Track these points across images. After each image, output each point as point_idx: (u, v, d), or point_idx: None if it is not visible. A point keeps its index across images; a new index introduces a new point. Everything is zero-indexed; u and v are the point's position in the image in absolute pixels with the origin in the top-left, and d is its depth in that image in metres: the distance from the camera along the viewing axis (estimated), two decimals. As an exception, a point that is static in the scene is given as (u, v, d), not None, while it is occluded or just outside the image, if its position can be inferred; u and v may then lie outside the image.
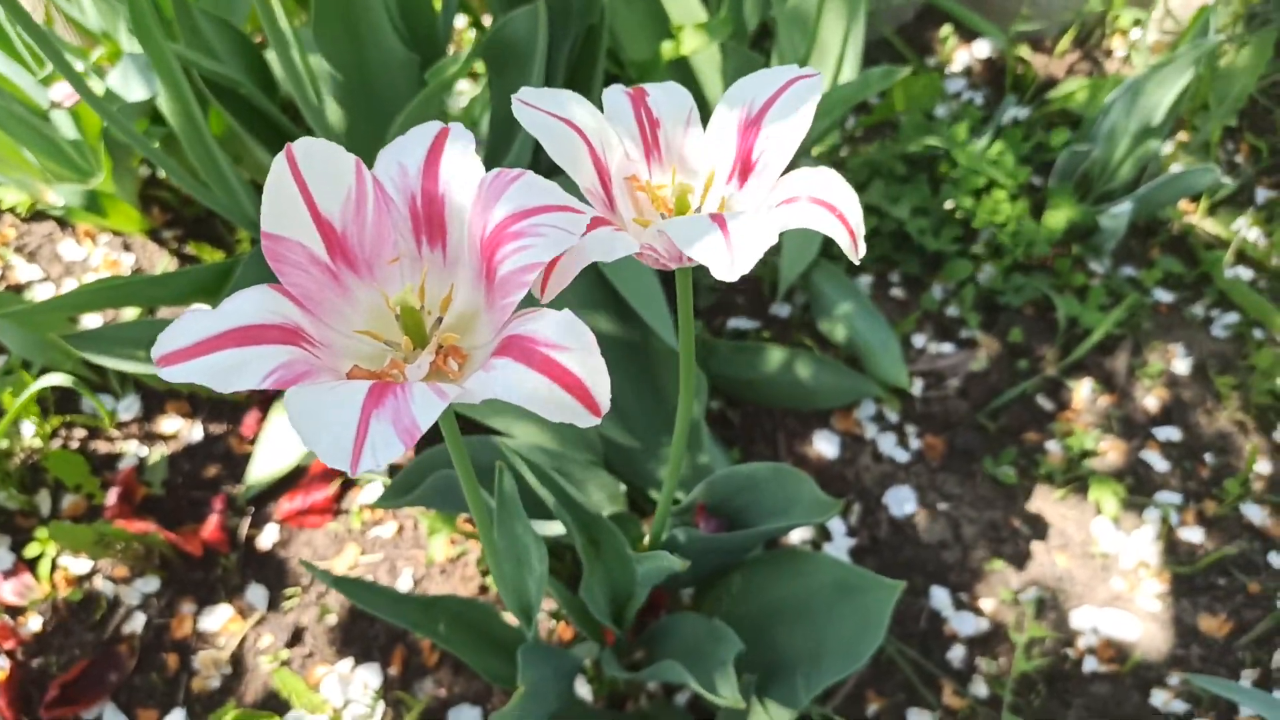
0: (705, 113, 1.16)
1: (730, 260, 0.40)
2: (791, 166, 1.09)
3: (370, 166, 0.40)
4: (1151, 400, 1.19)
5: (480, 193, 0.40)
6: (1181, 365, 1.22)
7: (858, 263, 0.50)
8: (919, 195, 1.26)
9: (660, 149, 0.51)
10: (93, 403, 1.08)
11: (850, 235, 0.43)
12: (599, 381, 0.35)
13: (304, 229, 0.39)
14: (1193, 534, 1.10)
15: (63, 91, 0.95)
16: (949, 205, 1.26)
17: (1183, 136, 1.37)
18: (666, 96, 0.51)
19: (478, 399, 0.35)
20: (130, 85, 0.95)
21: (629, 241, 0.43)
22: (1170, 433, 1.17)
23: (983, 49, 1.51)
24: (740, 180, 0.50)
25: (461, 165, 0.41)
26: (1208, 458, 1.15)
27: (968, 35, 1.52)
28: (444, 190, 0.41)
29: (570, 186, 0.45)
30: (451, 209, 0.41)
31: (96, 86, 0.99)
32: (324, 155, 0.38)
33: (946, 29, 1.50)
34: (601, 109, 0.51)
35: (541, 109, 0.45)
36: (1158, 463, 1.14)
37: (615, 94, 0.51)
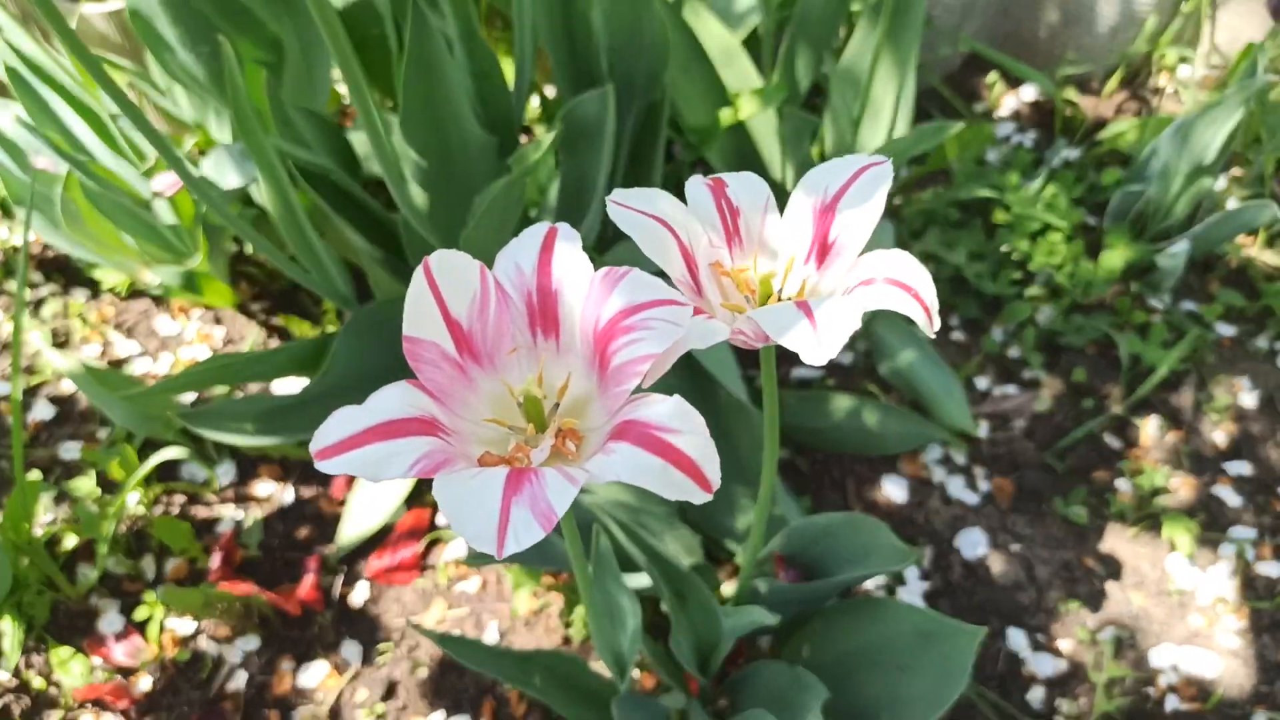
0: (764, 173, 1.20)
1: (818, 345, 0.43)
2: None
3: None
4: (1220, 435, 1.20)
5: (592, 288, 0.44)
6: (1248, 399, 1.22)
7: (932, 336, 0.53)
8: (974, 240, 1.29)
9: (741, 235, 0.54)
10: (195, 471, 1.14)
11: (926, 314, 0.46)
12: (710, 461, 0.39)
13: (437, 330, 0.43)
14: (1270, 568, 1.10)
15: (164, 182, 1.02)
16: (1005, 249, 1.29)
17: (1236, 171, 1.38)
18: (744, 186, 0.55)
19: (602, 481, 0.39)
20: (224, 173, 1.02)
21: (722, 329, 0.46)
22: (1241, 467, 1.17)
23: (1030, 93, 1.54)
24: (818, 262, 0.53)
25: (572, 262, 0.45)
26: (1280, 490, 1.15)
27: (1014, 81, 1.55)
28: (557, 285, 0.45)
29: (645, 262, 0.48)
30: (564, 302, 0.45)
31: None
32: (454, 264, 0.43)
33: (993, 75, 1.53)
34: (665, 186, 0.54)
35: (633, 208, 0.49)
36: (1230, 498, 1.15)
37: (696, 186, 0.55)
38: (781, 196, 0.53)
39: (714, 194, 0.54)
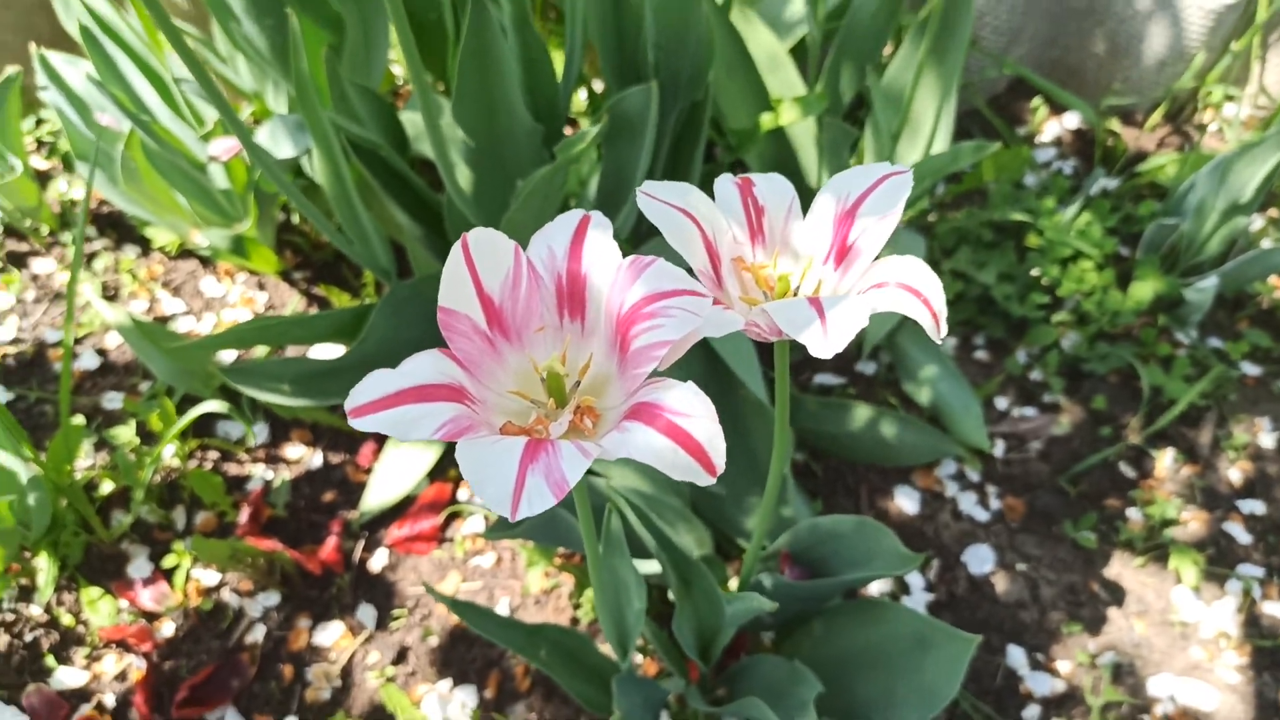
0: (801, 179, 1.22)
1: (825, 340, 0.45)
2: None
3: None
4: (1235, 473, 1.20)
5: (618, 275, 0.46)
6: (1268, 439, 1.23)
7: (940, 343, 0.55)
8: (1005, 262, 1.30)
9: (764, 234, 0.57)
10: (229, 429, 1.18)
11: (934, 319, 0.49)
12: (717, 446, 0.41)
13: (470, 304, 0.46)
14: (1276, 608, 1.10)
15: (221, 147, 1.06)
16: (1035, 272, 1.30)
17: (1274, 212, 1.38)
18: (770, 187, 0.57)
19: (613, 457, 0.42)
20: (279, 143, 1.05)
21: (736, 319, 0.49)
22: (1255, 506, 1.18)
23: (1073, 120, 1.55)
24: (836, 263, 0.55)
25: (602, 249, 0.48)
26: (1292, 532, 1.16)
27: (1058, 107, 1.56)
28: (586, 271, 0.48)
29: (675, 258, 0.51)
30: (592, 287, 0.48)
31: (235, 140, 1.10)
32: (491, 242, 0.46)
33: (1037, 100, 1.54)
34: (701, 187, 0.57)
35: (662, 200, 0.52)
36: (1241, 535, 1.16)
37: (725, 184, 0.57)
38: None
39: (741, 192, 0.56)
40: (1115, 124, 1.51)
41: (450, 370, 0.45)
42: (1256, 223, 1.37)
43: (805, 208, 0.57)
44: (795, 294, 0.55)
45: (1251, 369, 1.29)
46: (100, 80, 0.99)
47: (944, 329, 0.49)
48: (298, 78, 0.81)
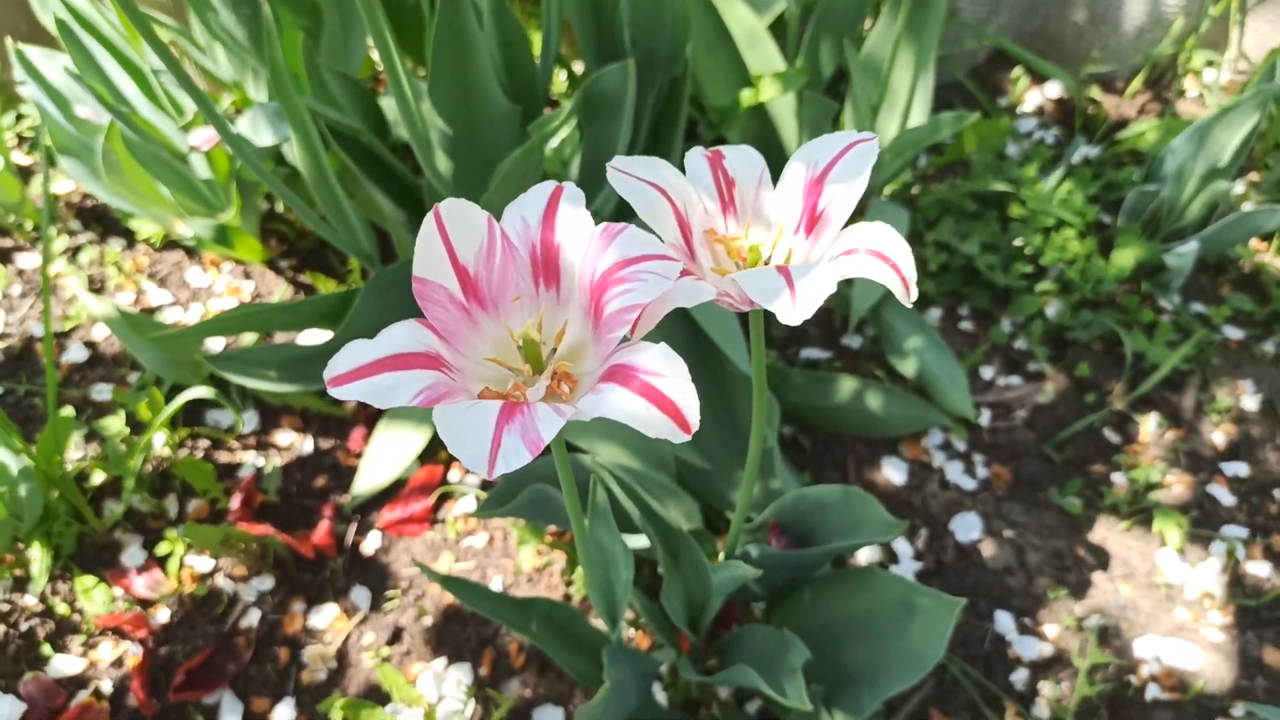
0: (782, 154, 1.22)
1: (794, 308, 0.46)
2: (863, 206, 1.15)
3: (478, 206, 0.48)
4: (1219, 436, 1.21)
5: (590, 243, 0.47)
6: (1250, 402, 1.24)
7: (909, 306, 0.56)
8: (988, 232, 1.31)
9: (735, 205, 0.57)
10: (219, 417, 1.18)
11: (903, 283, 0.49)
12: (690, 404, 0.42)
13: (445, 273, 0.47)
14: (1259, 568, 1.12)
15: (201, 137, 1.06)
16: (1018, 242, 1.31)
17: (1254, 176, 1.39)
18: (741, 159, 0.58)
19: (588, 417, 0.42)
20: (259, 131, 1.05)
21: (708, 289, 0.49)
22: (1238, 468, 1.19)
23: (1054, 89, 1.55)
24: (806, 232, 0.56)
25: (574, 219, 0.48)
26: (1276, 493, 1.17)
27: (1039, 77, 1.56)
28: (559, 240, 0.48)
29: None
30: (565, 256, 0.48)
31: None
32: (463, 212, 0.46)
33: (1018, 70, 1.55)
34: (682, 165, 0.58)
35: (632, 175, 0.52)
36: (1224, 497, 1.17)
37: (695, 157, 0.58)
38: None
39: (711, 165, 0.57)
40: (1096, 92, 1.51)
41: (427, 339, 0.46)
42: (1238, 187, 1.38)
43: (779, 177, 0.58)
44: (767, 263, 0.56)
45: (1234, 333, 1.30)
46: (78, 74, 0.99)
47: (914, 293, 0.50)
48: (272, 65, 0.81)
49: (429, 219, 0.45)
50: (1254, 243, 1.35)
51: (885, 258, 0.50)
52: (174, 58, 0.75)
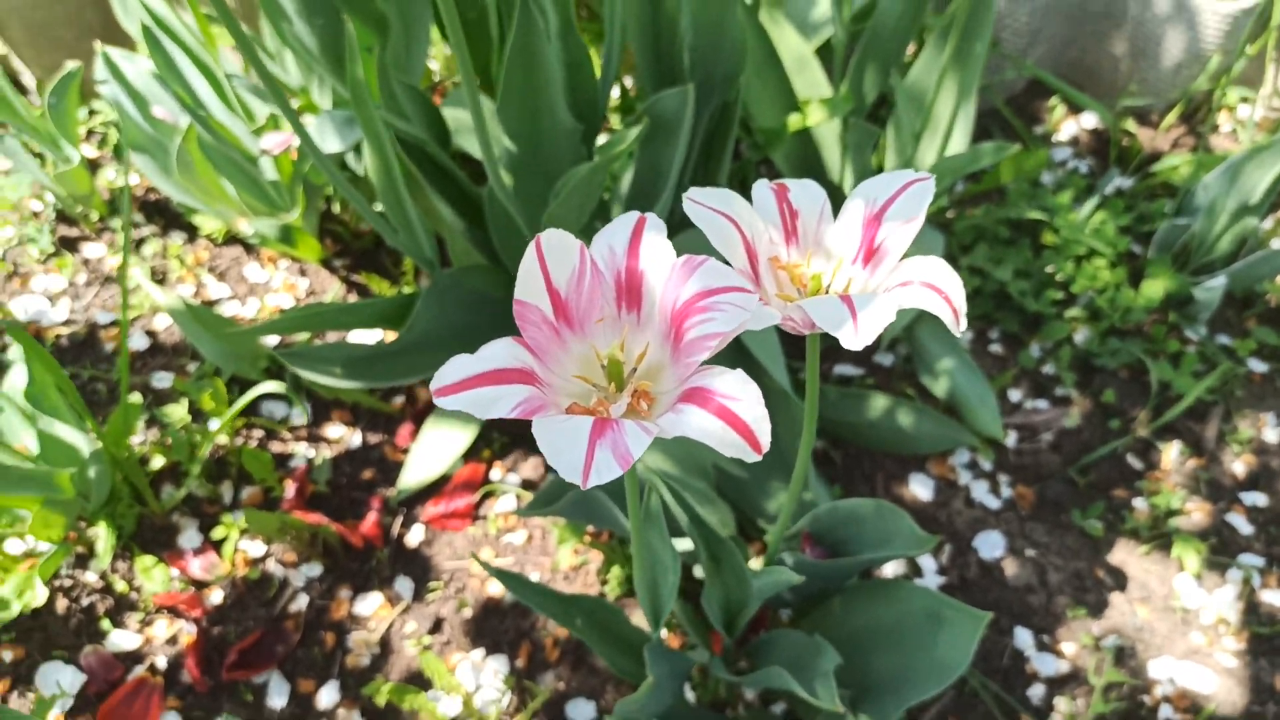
0: (824, 175, 1.26)
1: (856, 334, 0.50)
2: None
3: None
4: (1239, 466, 1.25)
5: (672, 272, 0.51)
6: (1272, 434, 1.27)
7: (959, 336, 0.60)
8: (1021, 258, 1.34)
9: (798, 235, 0.61)
10: (273, 408, 1.23)
11: (954, 315, 0.53)
12: (763, 427, 0.46)
13: (540, 296, 0.51)
14: (1275, 596, 1.15)
15: (273, 141, 1.11)
16: (1050, 269, 1.34)
17: (1284, 214, 1.42)
18: (804, 192, 0.62)
19: (669, 435, 0.47)
20: (326, 138, 1.10)
21: (774, 314, 0.53)
22: (1257, 498, 1.22)
23: (1090, 120, 1.58)
24: (864, 263, 0.60)
25: (657, 248, 0.53)
26: (1293, 524, 1.20)
27: (1076, 107, 1.60)
28: (643, 267, 0.53)
29: (710, 250, 0.56)
30: (647, 282, 0.52)
31: (287, 134, 1.15)
32: (560, 241, 0.50)
33: (1054, 100, 1.58)
34: (730, 183, 0.62)
35: (706, 205, 0.57)
36: (1243, 526, 1.20)
37: (762, 189, 0.62)
38: (838, 200, 0.60)
39: (777, 197, 0.61)
40: (1131, 124, 1.55)
41: (522, 356, 0.50)
42: (1267, 223, 1.41)
43: (831, 205, 0.62)
44: (827, 291, 0.60)
45: (1259, 366, 1.33)
46: (161, 76, 1.04)
47: (963, 324, 0.54)
48: (353, 82, 0.85)
49: (531, 248, 0.50)
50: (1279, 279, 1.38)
51: (939, 290, 0.54)
52: (268, 71, 0.80)
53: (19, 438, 1.01)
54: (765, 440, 0.46)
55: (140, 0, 1.08)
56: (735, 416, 0.46)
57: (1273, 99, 1.52)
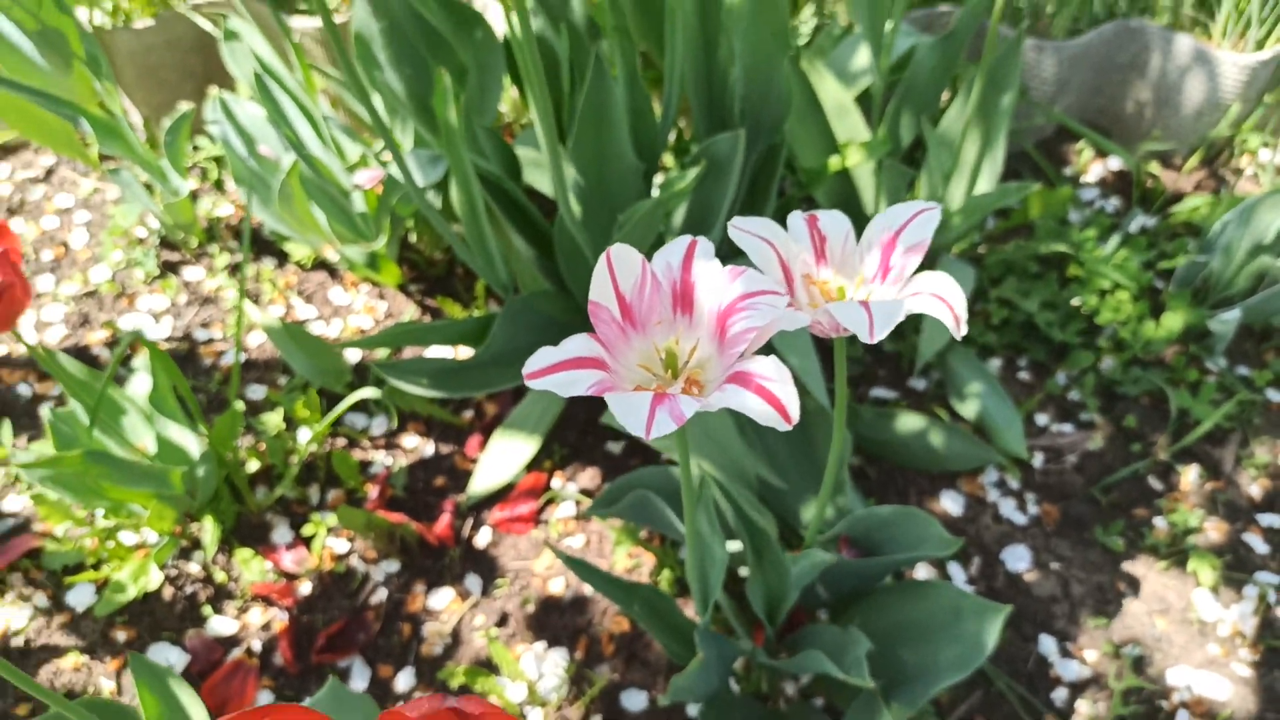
0: (861, 211, 1.37)
1: (870, 329, 0.61)
2: (934, 262, 1.31)
3: (603, 248, 0.63)
4: (1255, 489, 1.32)
5: (719, 279, 0.62)
6: (1289, 459, 1.34)
7: (959, 339, 0.70)
8: (1048, 291, 1.43)
9: (827, 256, 0.72)
10: (355, 419, 1.36)
11: (955, 319, 0.64)
12: (792, 402, 0.57)
13: (610, 299, 0.62)
14: (1290, 612, 1.21)
15: (366, 176, 1.24)
16: (1076, 301, 1.43)
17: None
18: (831, 221, 0.73)
19: (716, 408, 0.57)
20: (413, 175, 1.23)
21: (804, 317, 0.64)
22: (1273, 519, 1.29)
23: (1116, 162, 1.68)
24: (882, 279, 0.71)
25: (706, 265, 0.64)
26: (1309, 545, 1.27)
27: (1103, 150, 1.69)
28: (694, 280, 0.64)
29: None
30: (698, 292, 0.63)
31: (378, 170, 1.29)
32: (626, 255, 0.62)
33: (1082, 143, 1.67)
34: (775, 218, 0.73)
35: (749, 231, 0.68)
36: (1259, 545, 1.27)
37: (796, 218, 0.73)
38: None
39: (809, 225, 0.72)
40: (1155, 167, 1.64)
41: (595, 348, 0.61)
42: (1285, 261, 1.49)
43: (861, 235, 0.73)
44: (851, 300, 0.71)
45: (1276, 395, 1.40)
46: (272, 120, 1.18)
47: (964, 328, 0.64)
48: (446, 129, 0.98)
49: (603, 258, 0.61)
50: (1300, 313, 1.45)
51: (942, 298, 0.64)
52: (378, 114, 0.93)
53: (140, 438, 1.15)
54: (795, 412, 0.57)
55: (251, 50, 1.22)
56: (771, 394, 0.57)
57: (1295, 144, 1.61)
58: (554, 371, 0.59)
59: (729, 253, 1.26)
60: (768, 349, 1.22)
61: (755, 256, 0.68)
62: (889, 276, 0.69)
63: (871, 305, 0.62)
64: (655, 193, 1.27)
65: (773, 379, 0.57)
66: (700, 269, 0.64)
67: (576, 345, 0.61)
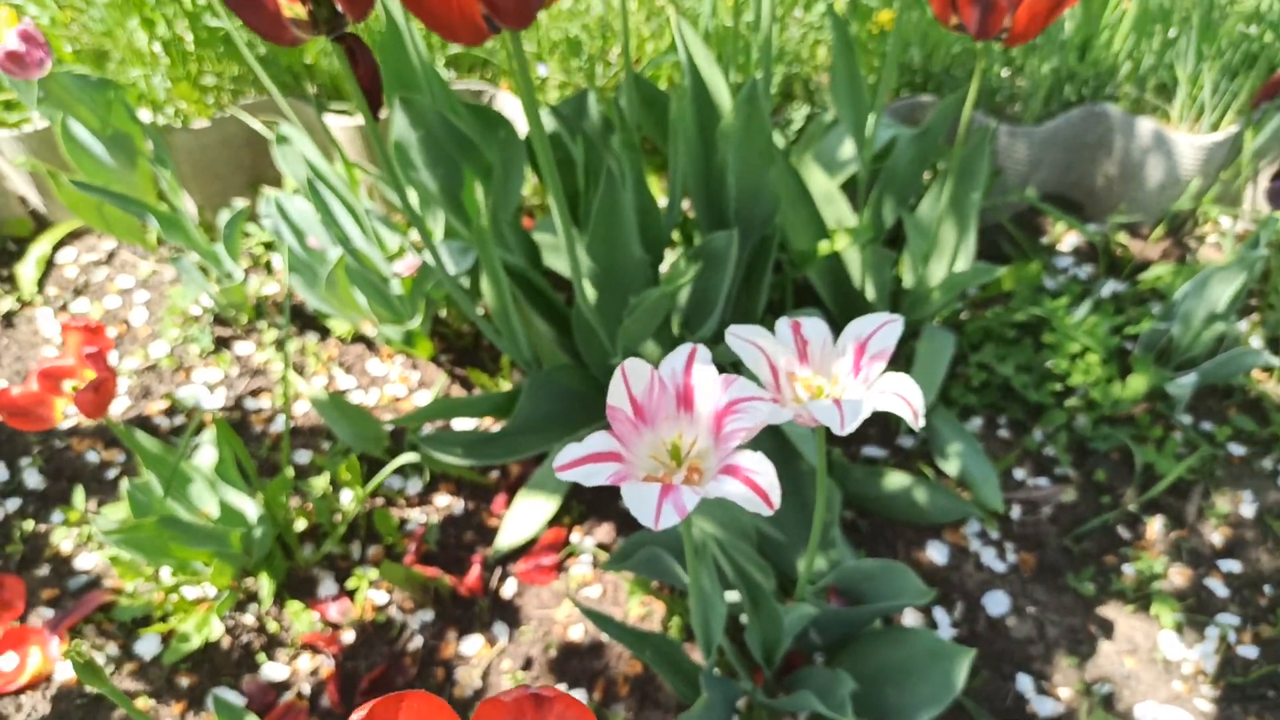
0: (850, 288, 1.52)
1: (842, 426, 0.74)
2: (918, 331, 1.46)
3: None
4: (1217, 537, 1.44)
5: (715, 386, 0.76)
6: (1248, 510, 1.46)
7: (917, 430, 0.83)
8: (1024, 355, 1.57)
9: (808, 357, 0.86)
10: (391, 481, 1.49)
11: (913, 413, 0.77)
12: (774, 490, 0.70)
13: (624, 402, 0.76)
14: (1249, 651, 1.33)
15: (404, 265, 1.39)
16: (1050, 364, 1.56)
17: (1255, 317, 1.63)
18: (812, 328, 0.86)
19: (712, 496, 0.71)
20: (445, 263, 1.38)
21: (788, 413, 0.77)
22: (1233, 565, 1.41)
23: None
24: (854, 376, 0.84)
25: (705, 370, 0.77)
26: (1266, 589, 1.39)
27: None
28: (694, 383, 0.77)
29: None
30: (697, 394, 0.77)
31: (415, 259, 1.43)
32: (638, 367, 0.75)
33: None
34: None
35: (742, 338, 0.82)
36: (1219, 589, 1.39)
37: (782, 325, 0.86)
38: (862, 309, 0.84)
39: (793, 330, 0.85)
40: (1124, 237, 1.77)
41: (613, 444, 0.75)
42: (1242, 325, 1.62)
43: (854, 313, 0.86)
44: (826, 399, 0.84)
45: (1237, 449, 1.52)
46: (323, 221, 1.33)
47: (921, 422, 0.78)
48: (479, 231, 1.13)
49: (618, 371, 0.75)
50: (1256, 374, 1.58)
51: (903, 397, 0.78)
52: (417, 213, 1.07)
53: (205, 504, 1.28)
54: (775, 499, 0.70)
55: (302, 154, 1.37)
56: (755, 483, 0.70)
57: (1254, 212, 1.74)
58: (580, 464, 0.72)
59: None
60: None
61: (747, 358, 0.82)
62: (861, 374, 0.83)
63: (843, 403, 0.75)
64: (664, 269, 1.41)
65: (758, 471, 0.70)
66: (699, 374, 0.78)
67: (597, 442, 0.74)
